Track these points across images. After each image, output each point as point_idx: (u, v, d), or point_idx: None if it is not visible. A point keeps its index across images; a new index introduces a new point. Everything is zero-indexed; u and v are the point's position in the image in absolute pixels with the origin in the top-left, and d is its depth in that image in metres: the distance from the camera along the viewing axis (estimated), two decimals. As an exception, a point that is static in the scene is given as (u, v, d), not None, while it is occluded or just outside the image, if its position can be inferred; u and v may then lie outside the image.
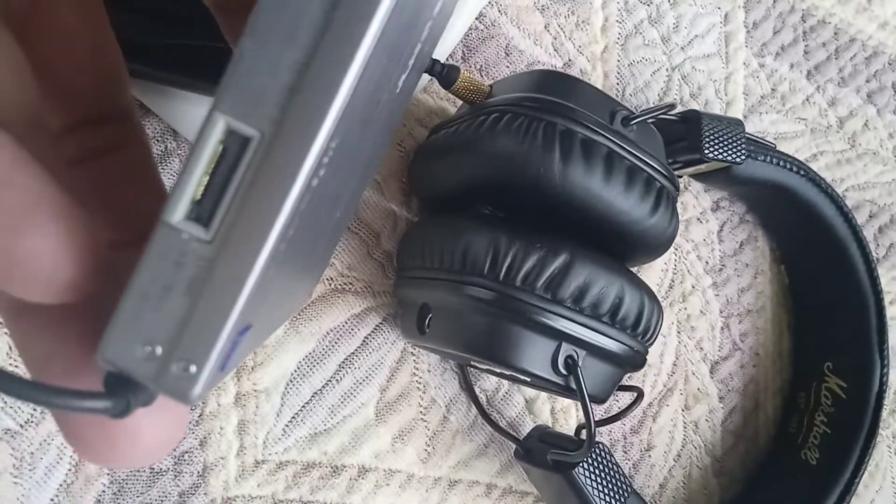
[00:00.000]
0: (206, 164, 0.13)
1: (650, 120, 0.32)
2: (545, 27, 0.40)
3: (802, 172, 0.41)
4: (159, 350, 0.13)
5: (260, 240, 0.13)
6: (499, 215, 0.32)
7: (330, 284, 0.34)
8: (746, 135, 0.39)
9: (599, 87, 0.41)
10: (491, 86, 0.32)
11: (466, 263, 0.29)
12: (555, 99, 0.29)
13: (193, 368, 0.13)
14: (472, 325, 0.29)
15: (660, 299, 0.42)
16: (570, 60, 0.40)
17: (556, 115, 0.29)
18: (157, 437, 0.15)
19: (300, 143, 0.13)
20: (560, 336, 0.28)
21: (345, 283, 0.35)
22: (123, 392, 0.13)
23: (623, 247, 0.31)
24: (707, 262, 0.44)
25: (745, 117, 0.46)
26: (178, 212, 0.13)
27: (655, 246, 0.32)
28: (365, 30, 0.13)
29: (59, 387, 0.13)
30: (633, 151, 0.30)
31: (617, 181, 0.29)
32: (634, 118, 0.30)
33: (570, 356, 0.29)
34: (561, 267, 0.28)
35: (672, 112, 0.38)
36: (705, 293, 0.44)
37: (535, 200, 0.29)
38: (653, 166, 0.30)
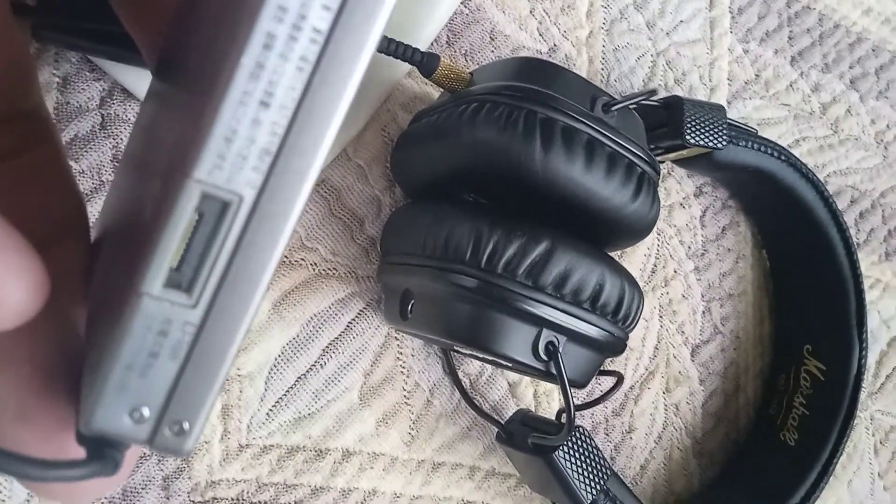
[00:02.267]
0: (182, 233, 0.13)
1: (632, 106, 0.32)
2: (530, 12, 0.40)
3: (784, 158, 0.42)
4: (147, 412, 0.13)
5: (247, 300, 0.13)
6: (481, 202, 0.32)
7: (314, 269, 0.35)
8: (728, 120, 0.39)
9: (584, 72, 0.41)
10: (472, 73, 0.32)
11: (448, 250, 0.29)
12: (535, 87, 0.30)
13: (187, 426, 0.13)
14: (454, 312, 0.29)
15: (642, 284, 0.43)
16: (555, 45, 0.40)
17: (536, 104, 0.29)
18: (122, 475, 0.15)
19: (283, 206, 0.13)
20: (541, 322, 0.29)
21: (328, 269, 0.35)
22: (107, 451, 0.13)
23: (605, 232, 0.32)
24: (689, 247, 0.45)
25: (728, 103, 0.46)
26: (157, 282, 0.13)
27: (637, 230, 0.32)
28: (344, 91, 0.13)
29: (50, 460, 0.13)
30: (614, 138, 0.30)
31: (598, 168, 0.29)
32: (615, 104, 0.31)
33: (550, 342, 0.29)
34: (542, 254, 0.28)
35: (654, 98, 0.38)
36: (687, 277, 0.44)
37: (517, 188, 0.30)
38: (634, 152, 0.31)
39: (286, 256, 0.34)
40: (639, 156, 0.31)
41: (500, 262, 0.28)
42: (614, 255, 0.40)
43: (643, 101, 0.32)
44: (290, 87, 0.12)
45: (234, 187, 0.12)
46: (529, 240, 0.28)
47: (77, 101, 0.30)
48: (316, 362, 0.34)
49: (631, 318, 0.31)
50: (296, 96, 0.12)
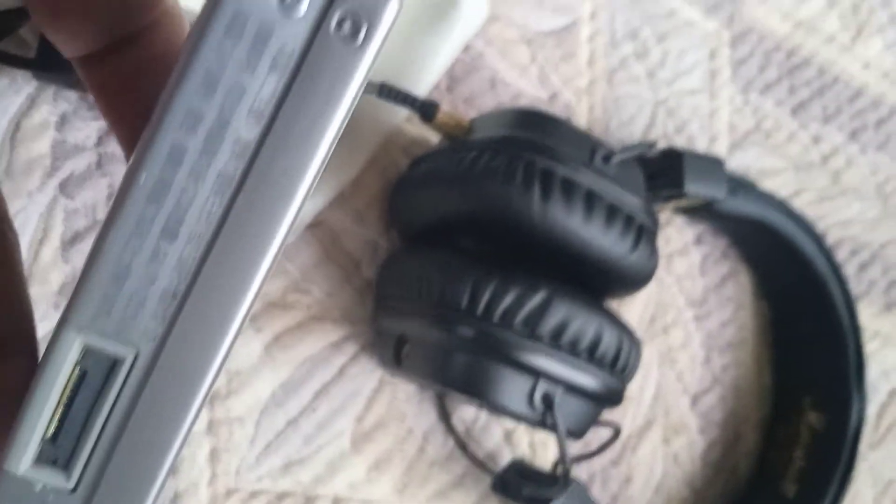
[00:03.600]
0: (57, 394, 0.10)
1: (631, 157, 0.32)
2: (531, 59, 0.40)
3: (783, 210, 0.42)
4: None
5: (146, 481, 0.10)
6: (479, 249, 0.32)
7: (308, 311, 0.34)
8: (728, 172, 0.39)
9: (584, 120, 0.42)
10: (471, 121, 0.32)
11: (445, 297, 0.29)
12: (534, 138, 0.30)
13: None
14: (449, 359, 0.29)
15: (641, 332, 0.42)
16: (555, 93, 0.41)
17: (535, 154, 0.29)
18: None
19: (196, 362, 0.10)
20: (537, 373, 0.28)
21: (323, 311, 0.35)
22: None
23: (603, 282, 0.32)
24: (689, 295, 0.44)
25: (729, 152, 0.46)
26: (25, 457, 0.10)
27: (635, 281, 0.32)
28: (278, 216, 0.10)
29: None
30: (613, 189, 0.30)
31: (597, 220, 0.29)
32: (614, 156, 0.31)
33: (546, 393, 0.29)
34: (540, 304, 0.28)
35: (653, 149, 0.38)
36: (687, 326, 0.44)
37: (516, 237, 0.30)
38: (632, 204, 0.31)
39: (279, 298, 0.34)
40: (637, 207, 0.31)
41: (497, 311, 0.28)
42: (613, 303, 0.40)
43: (643, 153, 0.32)
44: (204, 212, 0.10)
45: (126, 339, 0.10)
46: (527, 289, 0.28)
47: (74, 140, 0.30)
48: (307, 406, 0.34)
49: (629, 369, 0.31)
50: (212, 224, 0.10)
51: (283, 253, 0.34)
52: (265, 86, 0.10)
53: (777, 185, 0.48)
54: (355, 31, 0.10)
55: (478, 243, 0.32)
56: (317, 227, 0.35)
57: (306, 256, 0.35)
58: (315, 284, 0.35)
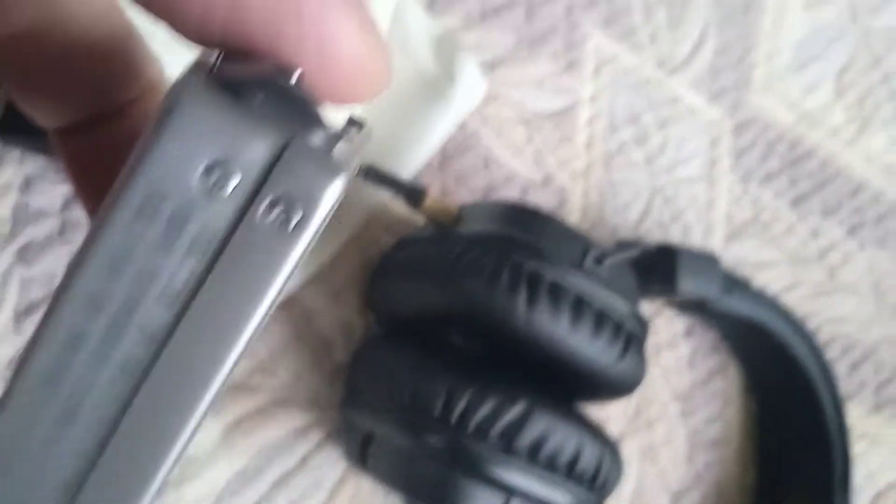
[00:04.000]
0: None
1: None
2: (527, 140, 0.39)
3: (777, 311, 0.40)
4: None
5: None
6: (460, 347, 0.30)
7: (273, 395, 0.32)
8: (723, 270, 0.38)
9: (579, 204, 0.40)
10: (460, 208, 0.31)
11: (417, 400, 0.27)
12: (524, 237, 0.28)
13: None
14: (416, 468, 0.27)
15: (624, 425, 0.41)
16: (549, 175, 0.39)
17: (523, 255, 0.28)
18: None
19: None
20: (511, 490, 0.26)
21: (289, 395, 0.33)
22: None
23: (588, 389, 0.30)
24: (676, 389, 0.43)
25: (725, 243, 0.45)
26: None
27: (621, 390, 0.30)
28: (187, 413, 0.10)
29: None
30: (603, 295, 0.29)
31: (584, 328, 0.28)
32: (606, 258, 0.29)
33: (519, 511, 0.27)
34: (518, 416, 0.26)
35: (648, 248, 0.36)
36: (672, 421, 0.42)
37: (499, 340, 0.28)
38: (622, 310, 0.29)
39: (243, 380, 0.32)
40: (627, 314, 0.29)
41: (472, 421, 0.26)
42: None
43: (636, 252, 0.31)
44: (106, 398, 0.09)
45: None
46: (506, 399, 0.26)
47: (38, 204, 0.29)
48: (265, 497, 0.32)
49: (609, 485, 0.29)
50: (113, 410, 0.09)
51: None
52: (181, 269, 0.09)
53: (772, 278, 0.47)
54: (287, 218, 0.09)
55: (459, 340, 0.30)
56: (290, 304, 0.33)
57: (276, 336, 0.33)
58: (282, 366, 0.33)
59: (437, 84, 0.35)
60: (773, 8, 0.48)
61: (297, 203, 0.09)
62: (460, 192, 0.37)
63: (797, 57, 0.48)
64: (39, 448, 0.09)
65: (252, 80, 0.09)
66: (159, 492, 0.10)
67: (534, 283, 0.27)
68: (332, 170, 0.09)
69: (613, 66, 0.41)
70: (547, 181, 0.39)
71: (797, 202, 0.48)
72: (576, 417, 0.28)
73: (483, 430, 0.26)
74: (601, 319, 0.28)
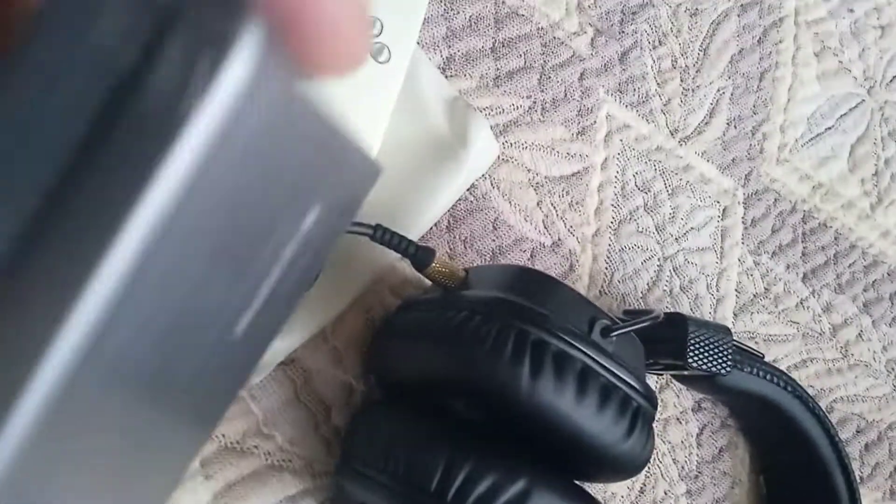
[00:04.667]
0: None
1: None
2: (537, 204, 0.38)
3: (790, 389, 0.39)
4: None
5: None
6: (461, 415, 0.29)
7: (266, 459, 0.31)
8: (735, 343, 0.37)
9: (587, 270, 0.39)
10: (467, 271, 0.30)
11: (413, 474, 0.26)
12: (530, 304, 0.27)
13: None
14: (410, 545, 0.26)
15: (627, 505, 0.39)
16: (559, 240, 0.39)
17: (528, 323, 0.27)
18: None
19: None
20: (506, 574, 0.25)
21: (283, 460, 0.32)
22: None
23: (592, 467, 0.29)
24: (683, 467, 0.41)
25: (735, 315, 0.44)
26: None
27: (627, 470, 0.29)
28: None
29: None
30: (610, 367, 0.28)
31: (589, 401, 0.27)
32: (615, 330, 0.28)
33: None
34: (517, 495, 0.25)
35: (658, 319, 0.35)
36: (678, 502, 0.41)
37: (502, 409, 0.27)
38: (630, 384, 0.28)
39: (237, 442, 0.31)
40: (636, 388, 0.28)
41: (470, 499, 0.25)
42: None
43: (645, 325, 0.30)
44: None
45: None
46: (505, 476, 0.25)
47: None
48: (252, 567, 0.30)
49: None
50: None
51: (249, 391, 0.31)
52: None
53: (783, 353, 0.45)
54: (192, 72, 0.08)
55: (461, 409, 0.29)
56: (289, 365, 0.32)
57: (274, 397, 0.32)
58: (278, 430, 0.32)
59: (449, 146, 0.34)
60: (788, 78, 0.47)
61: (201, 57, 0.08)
62: (468, 254, 0.36)
63: (811, 128, 0.48)
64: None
65: None
66: None
67: (538, 353, 0.26)
68: (243, 17, 0.08)
69: (625, 133, 0.41)
70: (556, 245, 0.39)
71: (810, 276, 0.47)
72: (578, 497, 0.27)
73: (481, 507, 0.25)
74: (608, 393, 0.27)
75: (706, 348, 0.35)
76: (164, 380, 0.11)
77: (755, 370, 0.38)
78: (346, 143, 0.11)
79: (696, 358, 0.35)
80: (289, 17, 0.09)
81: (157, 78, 0.07)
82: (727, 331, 0.37)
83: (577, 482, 0.28)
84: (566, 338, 0.27)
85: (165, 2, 0.07)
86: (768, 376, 0.38)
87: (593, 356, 0.27)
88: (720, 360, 0.36)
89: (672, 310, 0.41)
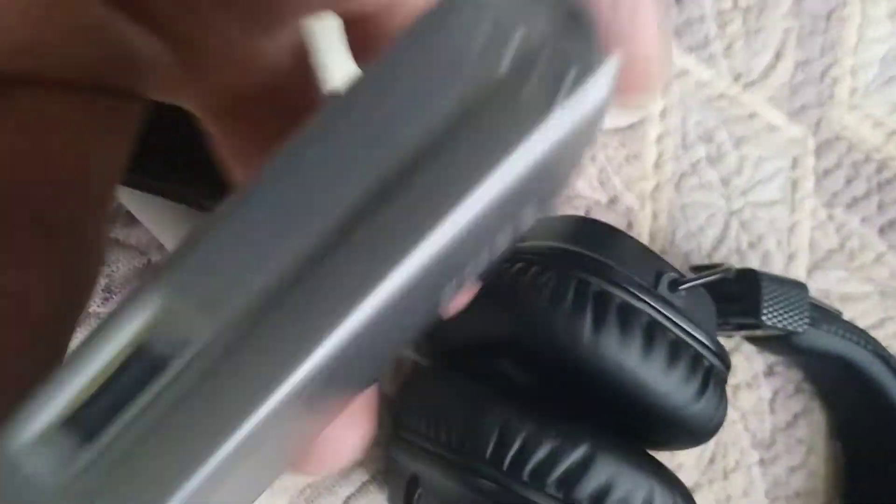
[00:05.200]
0: (105, 360, 0.08)
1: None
2: (591, 159, 0.36)
3: (871, 348, 0.36)
4: None
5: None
6: (517, 377, 0.27)
7: (314, 430, 0.30)
8: (811, 300, 0.34)
9: (647, 228, 0.37)
10: (520, 226, 0.28)
11: (466, 442, 0.24)
12: (591, 254, 0.25)
13: None
14: (466, 516, 0.24)
15: (698, 475, 0.37)
16: (615, 197, 0.36)
17: (590, 273, 0.25)
18: None
19: (269, 372, 0.08)
20: (571, 544, 0.23)
21: (331, 430, 0.30)
22: None
23: (659, 432, 0.27)
24: (755, 435, 0.39)
25: (808, 273, 0.41)
26: (27, 430, 0.08)
27: (698, 434, 0.27)
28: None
29: None
30: (679, 322, 0.25)
31: (657, 357, 0.24)
32: (684, 283, 0.26)
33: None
34: (579, 461, 0.23)
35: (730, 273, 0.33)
36: (751, 470, 0.38)
37: (561, 368, 0.25)
38: (701, 341, 0.26)
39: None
40: (707, 346, 0.26)
41: (528, 467, 0.23)
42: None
43: (717, 279, 0.28)
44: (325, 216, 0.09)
45: (208, 317, 0.08)
46: (564, 442, 0.23)
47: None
48: (303, 542, 0.29)
49: (683, 542, 0.25)
50: (345, 222, 0.09)
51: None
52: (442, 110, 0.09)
53: (860, 312, 0.42)
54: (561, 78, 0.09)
55: (516, 371, 0.27)
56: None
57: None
58: (324, 398, 0.30)
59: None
60: (857, 17, 0.44)
61: (569, 71, 0.09)
62: (518, 213, 0.34)
63: (884, 71, 0.45)
64: (269, 236, 0.09)
65: None
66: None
67: (601, 305, 0.24)
68: (602, 51, 0.09)
69: (685, 81, 0.38)
70: (612, 203, 0.36)
71: (887, 229, 0.44)
72: (646, 463, 0.25)
73: (539, 476, 0.23)
74: (677, 350, 0.25)
75: (781, 305, 0.33)
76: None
77: (833, 328, 0.35)
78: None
79: (770, 315, 0.32)
80: (629, 60, 0.11)
81: (529, 85, 0.09)
82: (803, 286, 0.34)
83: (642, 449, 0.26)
84: (631, 289, 0.24)
85: (542, 28, 0.09)
86: (847, 335, 0.36)
87: (661, 310, 0.25)
88: (796, 318, 0.33)
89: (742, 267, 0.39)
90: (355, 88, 0.09)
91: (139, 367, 0.08)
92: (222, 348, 0.09)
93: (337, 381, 0.10)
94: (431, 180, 0.09)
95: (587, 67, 0.09)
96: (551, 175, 0.11)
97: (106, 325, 0.09)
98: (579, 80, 0.09)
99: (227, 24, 0.13)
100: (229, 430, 0.08)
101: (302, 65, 0.15)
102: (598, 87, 0.09)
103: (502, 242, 0.13)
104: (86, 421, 0.08)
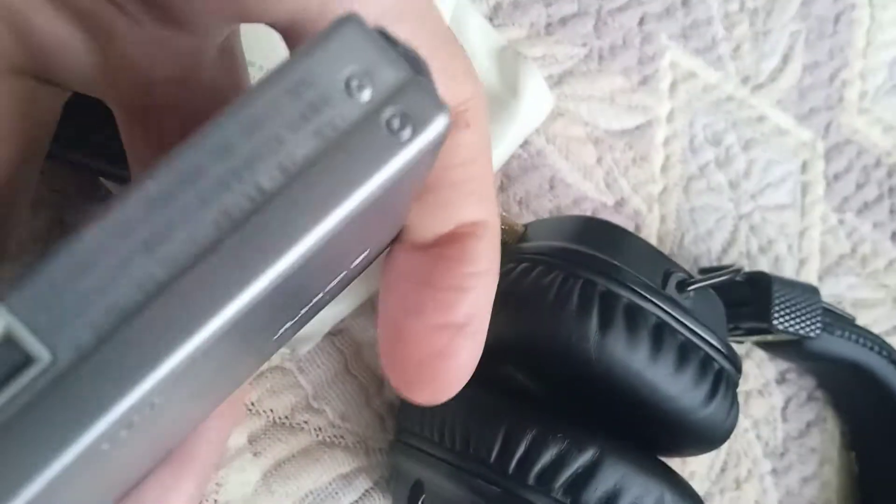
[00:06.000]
0: None
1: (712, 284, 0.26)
2: (597, 161, 0.35)
3: (885, 353, 0.35)
4: None
5: None
6: (522, 381, 0.26)
7: (317, 436, 0.29)
8: (823, 304, 0.34)
9: (654, 231, 0.36)
10: (526, 227, 0.28)
11: (470, 445, 0.23)
12: (597, 253, 0.25)
13: None
14: (471, 522, 0.23)
15: (709, 485, 0.36)
16: (622, 199, 0.36)
17: (596, 273, 0.24)
18: None
19: (110, 394, 0.09)
20: (578, 551, 0.22)
21: (334, 436, 0.30)
22: None
23: (668, 437, 0.26)
24: (768, 444, 0.38)
25: (819, 278, 0.40)
26: None
27: (709, 440, 0.26)
28: (261, 277, 0.10)
29: None
30: (688, 324, 0.25)
31: (666, 359, 0.24)
32: (693, 284, 0.25)
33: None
34: (586, 466, 0.22)
35: (740, 275, 0.32)
36: (763, 481, 0.37)
37: (566, 372, 0.24)
38: (711, 343, 0.25)
39: (286, 417, 0.29)
40: (717, 348, 0.25)
41: (533, 471, 0.22)
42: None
43: (726, 280, 0.27)
44: (190, 240, 0.09)
45: (50, 340, 0.09)
46: (572, 445, 0.23)
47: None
48: (305, 550, 0.29)
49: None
50: (192, 254, 0.09)
51: (297, 364, 0.29)
52: (300, 147, 0.10)
53: (872, 318, 0.42)
54: (400, 128, 0.10)
55: (520, 374, 0.26)
56: (337, 335, 0.30)
57: (323, 370, 0.30)
58: (329, 404, 0.30)
59: (500, 99, 0.32)
60: (865, 20, 0.44)
61: (410, 121, 0.10)
62: (524, 215, 0.34)
63: (894, 75, 0.44)
64: (112, 267, 0.09)
65: (397, 42, 0.11)
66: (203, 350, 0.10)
67: (607, 306, 0.23)
68: (442, 106, 0.11)
69: (692, 83, 0.38)
70: (619, 205, 0.36)
71: (900, 235, 0.43)
72: (656, 468, 0.24)
73: (545, 481, 0.22)
74: (686, 352, 0.24)
75: (793, 309, 0.32)
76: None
77: (846, 334, 0.34)
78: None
79: (782, 320, 0.32)
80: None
81: (377, 124, 0.10)
82: (815, 290, 0.33)
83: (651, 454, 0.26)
84: (639, 290, 0.24)
85: (396, 81, 0.11)
86: (861, 340, 0.35)
87: (670, 311, 0.24)
88: (809, 323, 0.32)
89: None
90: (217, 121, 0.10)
91: None
92: (61, 368, 0.09)
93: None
94: (285, 208, 0.10)
95: (429, 115, 0.11)
96: (385, 210, 0.13)
97: None
98: (416, 133, 0.11)
99: (144, 15, 0.14)
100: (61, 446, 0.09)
101: (223, 72, 0.15)
102: (436, 132, 0.11)
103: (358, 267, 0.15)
104: None
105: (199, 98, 0.15)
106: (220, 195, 0.10)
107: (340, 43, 0.10)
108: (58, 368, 0.09)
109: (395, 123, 0.10)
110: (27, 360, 0.09)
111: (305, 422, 0.29)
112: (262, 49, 0.24)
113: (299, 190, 0.10)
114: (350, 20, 0.10)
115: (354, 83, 0.10)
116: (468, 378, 0.14)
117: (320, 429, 0.29)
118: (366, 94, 0.10)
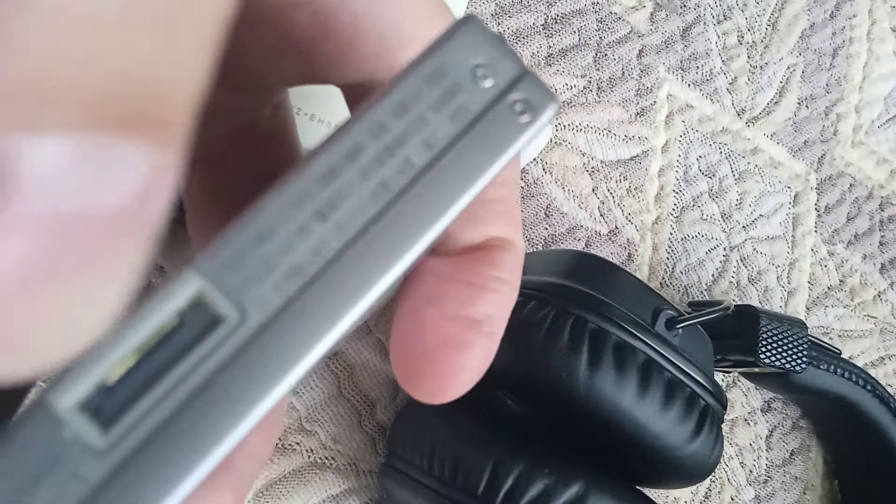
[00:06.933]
0: (142, 336, 0.09)
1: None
2: (593, 190, 0.36)
3: (869, 388, 0.36)
4: None
5: (178, 477, 0.09)
6: (510, 407, 0.27)
7: (309, 457, 0.30)
8: (810, 338, 0.34)
9: (647, 260, 0.37)
10: (520, 259, 0.28)
11: (458, 476, 0.24)
12: (589, 290, 0.25)
13: None
14: (457, 552, 0.24)
15: (692, 511, 0.36)
16: (616, 228, 0.36)
17: (587, 310, 0.25)
18: None
19: (295, 350, 0.10)
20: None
21: (326, 458, 0.30)
22: None
23: (654, 471, 0.26)
24: (751, 472, 0.38)
25: (808, 309, 0.41)
26: (69, 395, 0.09)
27: (693, 475, 0.27)
28: (419, 236, 0.11)
29: None
30: (676, 361, 0.25)
31: (653, 397, 0.24)
32: (681, 322, 0.26)
33: None
34: (571, 501, 0.23)
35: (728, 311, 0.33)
36: (746, 507, 0.38)
37: (556, 404, 0.25)
38: (698, 381, 0.26)
39: (279, 439, 0.29)
40: (704, 386, 0.26)
41: (520, 504, 0.23)
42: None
43: (715, 316, 0.28)
44: (357, 210, 0.11)
45: (238, 301, 0.10)
46: (559, 480, 0.23)
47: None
48: (293, 570, 0.29)
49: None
50: (360, 222, 0.11)
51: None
52: (441, 127, 0.11)
53: (860, 349, 0.42)
54: (522, 112, 0.12)
55: (511, 404, 0.27)
56: (332, 358, 0.31)
57: (316, 392, 0.30)
58: (321, 426, 0.30)
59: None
60: (863, 55, 0.44)
61: (529, 107, 0.12)
62: (519, 243, 0.34)
63: (889, 108, 0.45)
64: (291, 233, 0.10)
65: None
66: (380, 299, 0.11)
67: (597, 343, 0.24)
68: (554, 96, 0.12)
69: (688, 114, 0.38)
70: (613, 234, 0.36)
71: (888, 266, 0.44)
72: (638, 502, 0.25)
73: (534, 512, 0.23)
74: (673, 389, 0.25)
75: (779, 343, 0.33)
76: None
77: (832, 367, 0.35)
78: None
79: (768, 354, 0.32)
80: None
81: (504, 107, 0.12)
82: (802, 324, 0.34)
83: (637, 487, 0.26)
84: (628, 328, 0.24)
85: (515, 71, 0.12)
86: (846, 374, 0.35)
87: (658, 349, 0.25)
88: (794, 357, 0.33)
89: (741, 302, 0.39)
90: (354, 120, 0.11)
91: (170, 343, 0.09)
92: (250, 328, 0.10)
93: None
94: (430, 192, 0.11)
95: (545, 103, 0.12)
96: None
97: (155, 297, 0.09)
98: (534, 117, 0.12)
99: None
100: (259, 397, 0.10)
101: (276, 121, 0.16)
102: (547, 118, 0.12)
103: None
104: (121, 391, 0.09)
105: (252, 148, 0.16)
106: (378, 169, 0.11)
107: (466, 39, 0.12)
108: (248, 327, 0.10)
109: (518, 108, 0.12)
110: (214, 322, 0.10)
111: (298, 443, 0.30)
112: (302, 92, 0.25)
113: (445, 164, 0.11)
114: (471, 21, 0.12)
115: (480, 72, 0.12)
116: (473, 383, 0.14)
117: (312, 450, 0.30)
118: (489, 83, 0.12)
